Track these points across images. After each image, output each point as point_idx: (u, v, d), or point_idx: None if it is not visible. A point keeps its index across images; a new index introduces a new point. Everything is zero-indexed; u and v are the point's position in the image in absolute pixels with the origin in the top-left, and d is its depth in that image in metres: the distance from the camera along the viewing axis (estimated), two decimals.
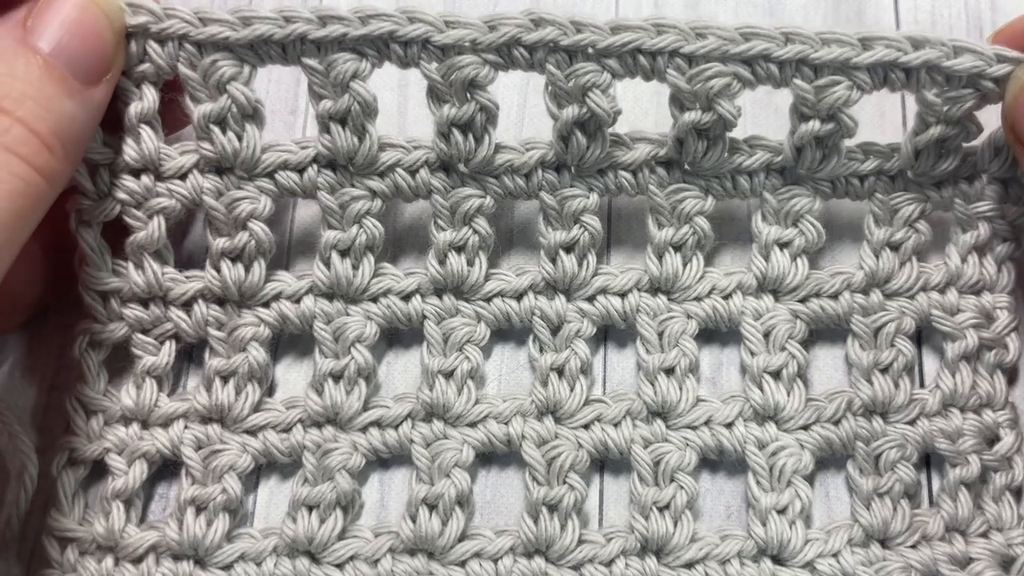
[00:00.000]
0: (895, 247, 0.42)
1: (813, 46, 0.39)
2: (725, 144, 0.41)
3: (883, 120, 0.47)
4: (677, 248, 0.42)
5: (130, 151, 0.41)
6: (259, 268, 0.42)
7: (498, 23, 0.39)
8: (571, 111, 0.40)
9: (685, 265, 0.43)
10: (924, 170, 0.41)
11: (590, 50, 0.39)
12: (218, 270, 0.42)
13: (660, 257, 0.42)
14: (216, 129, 0.41)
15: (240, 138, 0.41)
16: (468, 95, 0.40)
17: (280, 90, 0.49)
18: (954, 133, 0.40)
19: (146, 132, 0.41)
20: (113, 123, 0.41)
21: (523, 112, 0.48)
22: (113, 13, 0.39)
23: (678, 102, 0.40)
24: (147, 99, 0.41)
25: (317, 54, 0.40)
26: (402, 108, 0.49)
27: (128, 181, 0.41)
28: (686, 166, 0.42)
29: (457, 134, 0.41)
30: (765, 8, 0.50)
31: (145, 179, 0.41)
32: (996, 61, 0.39)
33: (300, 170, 0.42)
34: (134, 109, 0.41)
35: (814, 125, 0.40)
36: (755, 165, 0.42)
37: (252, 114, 0.41)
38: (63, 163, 0.37)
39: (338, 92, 0.40)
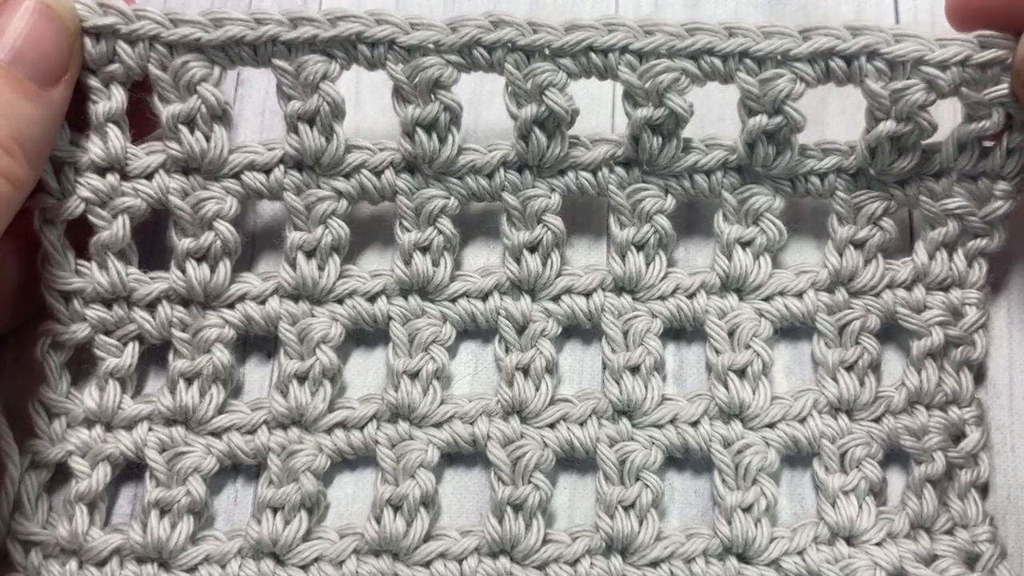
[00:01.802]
0: (859, 245, 0.43)
1: (754, 39, 0.40)
2: (679, 141, 0.42)
3: None
4: (639, 247, 0.43)
5: (96, 150, 0.42)
6: (224, 269, 0.43)
7: (459, 25, 0.41)
8: (530, 110, 0.41)
9: (648, 264, 0.44)
10: (883, 168, 0.42)
11: (546, 50, 0.41)
12: (183, 271, 0.43)
13: (623, 256, 0.43)
14: (184, 129, 0.42)
15: (208, 139, 0.42)
16: (432, 95, 0.41)
17: None
18: (907, 130, 0.41)
19: (113, 131, 0.42)
20: (80, 122, 0.42)
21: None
22: (67, 13, 0.40)
23: (631, 99, 0.42)
24: (115, 99, 0.42)
25: (287, 56, 0.41)
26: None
27: (93, 180, 0.42)
28: (644, 166, 0.43)
29: (421, 134, 0.42)
30: (765, 8, 0.51)
31: (111, 178, 0.43)
32: (938, 47, 0.39)
33: (267, 171, 0.43)
34: (102, 108, 0.42)
35: (762, 120, 0.41)
36: (711, 163, 0.43)
37: (221, 115, 0.43)
38: (25, 166, 0.38)
39: (307, 93, 0.42)
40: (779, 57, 0.41)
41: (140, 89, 0.43)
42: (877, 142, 0.41)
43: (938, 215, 0.43)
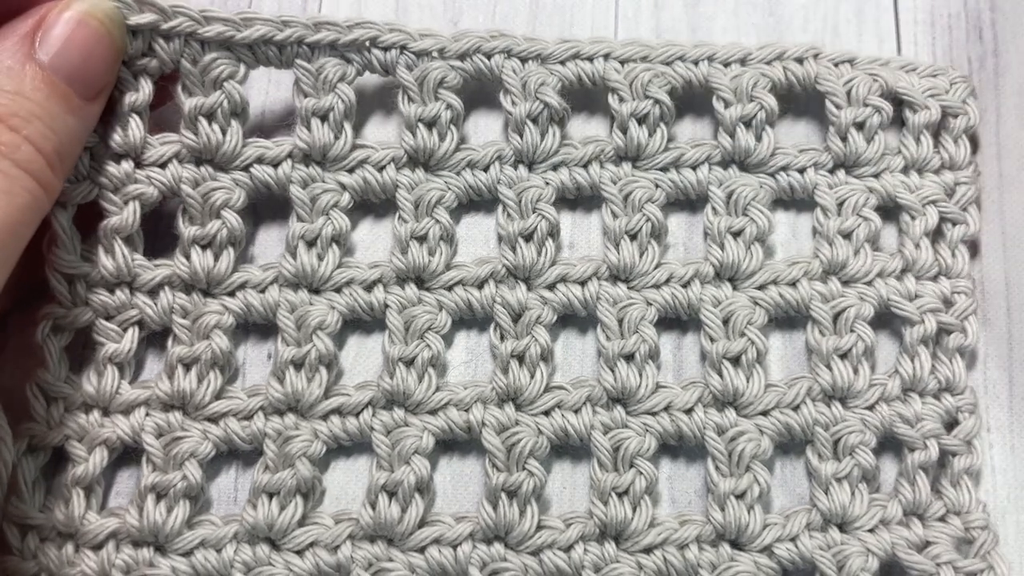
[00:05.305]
0: (847, 235, 0.46)
1: (727, 51, 0.48)
2: (664, 134, 0.47)
3: None
4: (632, 236, 0.46)
5: (116, 137, 0.46)
6: (228, 257, 0.46)
7: (463, 37, 0.47)
8: (524, 107, 0.47)
9: (642, 253, 0.46)
10: (853, 159, 0.47)
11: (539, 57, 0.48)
12: (188, 257, 0.45)
13: (617, 245, 0.46)
14: (204, 121, 0.46)
15: (224, 132, 0.46)
16: (435, 96, 0.47)
17: None
18: (866, 115, 0.47)
19: (135, 121, 0.46)
20: None
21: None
22: (117, 30, 0.44)
23: (617, 95, 0.47)
24: (143, 91, 0.46)
25: (309, 58, 0.47)
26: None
27: (109, 166, 0.46)
28: (635, 163, 0.48)
29: (423, 129, 0.46)
30: (765, 8, 0.54)
31: (125, 165, 0.46)
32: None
33: (275, 164, 0.47)
34: (128, 99, 0.46)
35: (738, 108, 0.47)
36: (696, 156, 0.47)
37: (240, 112, 0.47)
38: (61, 177, 0.43)
39: (324, 91, 0.46)
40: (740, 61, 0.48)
41: (165, 79, 0.47)
42: (845, 130, 0.47)
43: (915, 205, 0.46)
